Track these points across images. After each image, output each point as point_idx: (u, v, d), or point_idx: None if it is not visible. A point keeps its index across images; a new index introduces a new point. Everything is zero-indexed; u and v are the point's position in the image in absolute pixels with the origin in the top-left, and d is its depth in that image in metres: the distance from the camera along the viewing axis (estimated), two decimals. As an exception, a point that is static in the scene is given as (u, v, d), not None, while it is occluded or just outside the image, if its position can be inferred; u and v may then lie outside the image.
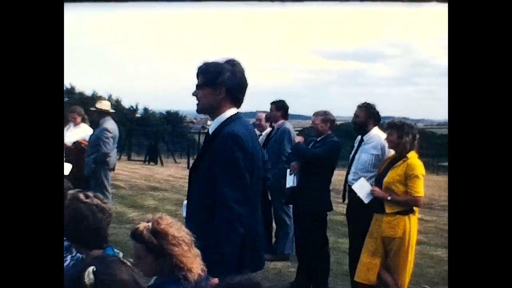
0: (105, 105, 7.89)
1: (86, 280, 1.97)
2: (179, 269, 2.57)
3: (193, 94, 3.04)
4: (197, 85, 3.01)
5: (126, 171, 16.75)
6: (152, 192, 12.83)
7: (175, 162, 23.54)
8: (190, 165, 16.77)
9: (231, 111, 2.99)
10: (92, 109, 7.95)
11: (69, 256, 3.32)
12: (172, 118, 41.55)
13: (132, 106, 41.67)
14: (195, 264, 2.58)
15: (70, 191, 3.35)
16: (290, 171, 5.85)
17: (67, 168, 6.52)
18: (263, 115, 7.54)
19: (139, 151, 25.13)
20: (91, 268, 2.00)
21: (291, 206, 6.52)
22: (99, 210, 3.06)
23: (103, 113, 7.78)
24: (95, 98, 20.50)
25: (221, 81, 2.93)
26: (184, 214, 3.19)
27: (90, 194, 3.22)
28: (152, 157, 22.07)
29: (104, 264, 2.07)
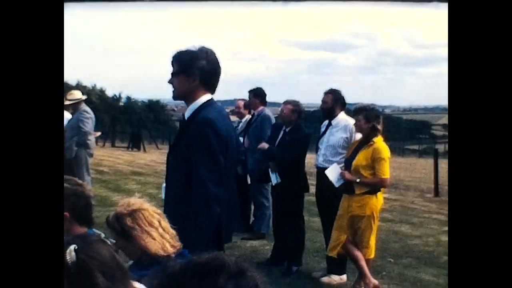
0: (76, 95, 7.92)
1: (68, 258, 1.94)
2: (144, 251, 2.56)
3: (169, 82, 3.02)
4: (172, 73, 2.99)
5: (110, 157, 16.67)
6: (135, 176, 12.79)
7: (157, 148, 23.44)
8: (172, 150, 16.71)
9: (205, 97, 2.97)
10: (67, 103, 7.86)
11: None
12: (154, 107, 41.34)
13: (115, 95, 41.36)
14: (165, 244, 2.57)
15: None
16: (271, 169, 5.84)
17: None
18: (242, 103, 7.53)
19: (123, 138, 24.92)
20: (72, 247, 1.97)
21: (268, 188, 6.53)
22: (79, 192, 3.04)
23: (77, 103, 7.82)
24: (79, 87, 20.23)
25: (195, 69, 2.91)
26: (163, 196, 3.19)
27: (69, 177, 3.20)
28: (135, 144, 21.98)
29: (85, 243, 2.04)
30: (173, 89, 3.02)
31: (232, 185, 3.17)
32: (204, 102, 2.96)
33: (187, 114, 3.02)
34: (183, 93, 3.00)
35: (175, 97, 3.04)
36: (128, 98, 41.93)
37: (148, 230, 2.54)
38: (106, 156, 16.26)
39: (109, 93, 41.04)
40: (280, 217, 5.96)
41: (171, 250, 2.58)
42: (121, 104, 39.18)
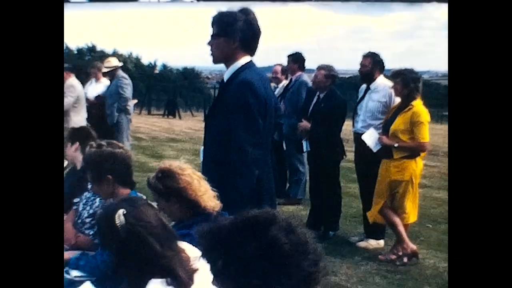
0: (113, 62, 8.01)
1: (117, 222, 1.98)
2: (185, 211, 2.58)
3: (208, 44, 2.99)
4: (211, 35, 2.96)
5: (147, 124, 16.85)
6: (171, 143, 12.90)
7: (192, 115, 23.57)
8: (207, 117, 16.71)
9: (244, 59, 2.94)
10: (104, 70, 8.07)
11: (98, 199, 3.36)
12: (189, 74, 41.35)
13: (151, 63, 41.52)
14: (209, 202, 2.59)
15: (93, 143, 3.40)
16: (303, 137, 5.80)
17: None
18: (279, 68, 7.44)
19: (158, 105, 25.12)
20: (121, 211, 2.00)
21: (304, 154, 6.51)
22: (121, 154, 3.09)
23: (115, 70, 7.91)
24: (115, 55, 20.38)
25: (234, 30, 2.87)
26: (201, 159, 3.19)
27: (110, 141, 3.27)
28: (171, 111, 22.14)
29: (133, 207, 2.08)
30: (211, 52, 3.00)
31: (271, 149, 3.15)
32: (244, 64, 2.93)
33: (226, 77, 3.00)
34: (222, 56, 2.97)
35: (214, 60, 3.01)
36: (164, 66, 42.03)
37: (189, 187, 2.57)
38: (143, 123, 16.45)
39: (145, 61, 41.28)
40: (316, 183, 5.95)
41: (213, 208, 2.60)
42: (156, 72, 39.30)
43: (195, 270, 2.01)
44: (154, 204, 2.25)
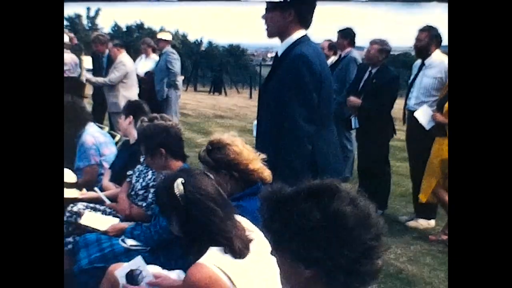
0: (166, 35, 8.09)
1: (176, 191, 2.00)
2: (244, 180, 2.58)
3: (262, 18, 2.95)
4: (266, 8, 2.92)
5: (193, 101, 16.96)
6: (218, 119, 12.98)
7: (238, 92, 23.61)
8: (252, 95, 16.89)
9: (299, 33, 2.90)
10: (156, 40, 8.30)
11: (150, 171, 3.42)
12: (235, 51, 41.29)
13: (197, 40, 41.67)
14: (260, 174, 2.58)
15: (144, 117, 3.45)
16: (352, 114, 5.72)
17: None
18: (327, 44, 7.31)
19: (205, 82, 25.27)
20: (179, 180, 2.03)
21: (352, 132, 6.43)
22: (172, 128, 3.13)
23: (163, 45, 7.99)
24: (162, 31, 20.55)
25: (289, 3, 2.83)
26: (254, 134, 3.19)
27: (160, 115, 3.31)
28: (217, 88, 22.23)
29: (191, 176, 2.10)
30: (266, 26, 2.97)
31: (330, 125, 3.09)
32: (298, 38, 2.88)
33: (280, 51, 2.96)
34: (277, 29, 2.93)
35: (269, 34, 2.98)
36: (210, 43, 42.12)
37: (239, 160, 2.57)
38: (190, 100, 16.56)
39: (191, 38, 41.46)
40: (365, 161, 5.87)
41: (264, 180, 2.60)
42: (202, 49, 39.43)
43: (250, 240, 2.03)
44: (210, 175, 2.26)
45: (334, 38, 6.87)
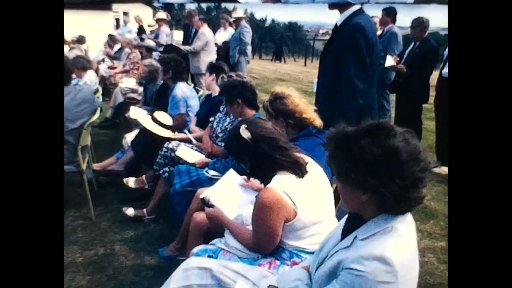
0: (239, 13, 8.02)
1: (243, 135, 1.98)
2: (299, 126, 2.53)
3: None
4: None
5: (258, 67, 16.83)
6: (278, 82, 12.85)
7: (295, 60, 23.28)
8: (306, 63, 16.55)
9: (356, 6, 2.79)
10: (232, 19, 8.28)
11: (228, 118, 3.42)
12: (293, 27, 40.71)
13: (262, 18, 41.37)
14: (314, 121, 2.53)
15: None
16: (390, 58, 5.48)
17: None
18: (375, 19, 6.99)
19: (267, 52, 25.01)
20: (243, 126, 2.01)
21: (389, 93, 6.20)
22: (246, 82, 3.11)
23: (239, 20, 7.98)
24: (234, 10, 20.39)
25: None
26: (314, 89, 3.13)
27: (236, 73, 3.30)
28: (277, 57, 21.99)
29: (251, 122, 2.08)
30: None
31: (375, 83, 3.02)
32: (355, 11, 2.79)
33: (339, 21, 2.86)
34: (338, 2, 2.83)
35: (330, 6, 2.87)
36: (272, 20, 41.68)
37: (296, 109, 2.53)
38: (255, 66, 16.44)
39: (257, 16, 41.13)
40: (401, 119, 5.67)
41: (316, 126, 2.55)
42: (266, 25, 39.01)
43: (307, 163, 2.00)
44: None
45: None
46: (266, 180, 1.97)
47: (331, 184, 2.14)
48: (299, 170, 1.96)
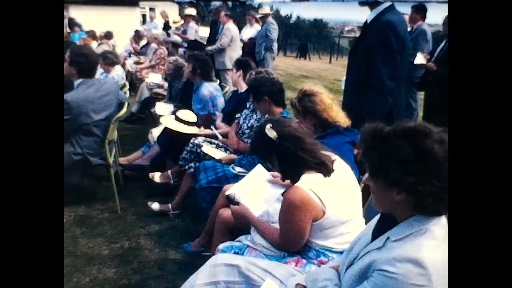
0: (266, 10, 8.04)
1: (269, 134, 1.97)
2: (326, 124, 2.51)
3: None
4: None
5: (283, 63, 16.79)
6: (303, 79, 12.80)
7: (320, 58, 23.12)
8: (332, 60, 16.43)
9: (386, 3, 2.73)
10: (259, 16, 8.27)
11: (254, 115, 3.41)
12: (318, 24, 40.42)
13: (287, 15, 41.19)
14: (341, 119, 2.51)
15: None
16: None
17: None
18: (406, 16, 6.87)
19: (292, 49, 24.91)
20: (268, 125, 2.00)
21: (416, 91, 6.10)
22: (274, 79, 3.10)
23: (265, 17, 8.02)
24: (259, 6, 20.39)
25: None
26: (342, 87, 3.09)
27: (263, 69, 3.27)
28: (302, 54, 21.90)
29: (275, 121, 2.07)
30: None
31: (403, 82, 2.96)
32: (386, 8, 2.73)
33: (369, 18, 2.81)
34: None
35: (361, 2, 2.83)
36: (298, 17, 41.50)
37: (324, 107, 2.50)
38: (280, 62, 16.40)
39: (283, 13, 41.02)
40: (427, 118, 5.56)
41: (343, 124, 2.52)
42: (291, 22, 38.87)
43: (333, 160, 1.99)
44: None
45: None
46: (293, 178, 1.96)
47: (359, 183, 2.12)
48: (325, 169, 1.94)
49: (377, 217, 1.53)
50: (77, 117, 3.28)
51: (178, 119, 3.95)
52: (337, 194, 1.91)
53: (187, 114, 4.00)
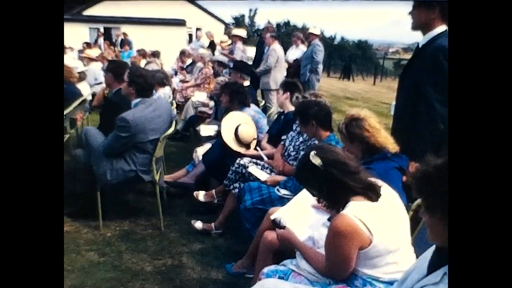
0: (316, 31, 8.08)
1: (314, 162, 1.97)
2: (374, 149, 2.47)
3: (409, 14, 2.77)
4: (413, 6, 2.74)
5: (326, 84, 16.77)
6: (346, 100, 12.71)
7: (363, 79, 22.92)
8: (376, 82, 16.31)
9: (441, 28, 2.69)
10: (307, 34, 8.33)
11: (301, 137, 3.42)
12: (362, 45, 40.24)
13: (331, 36, 41.25)
14: (389, 145, 2.47)
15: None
16: None
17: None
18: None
19: (336, 69, 24.88)
20: (312, 152, 1.99)
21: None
22: (322, 103, 3.10)
23: (314, 36, 8.08)
24: (306, 29, 20.44)
25: (436, 2, 2.62)
26: (392, 112, 3.05)
27: (312, 92, 3.29)
28: (346, 75, 21.81)
29: (319, 148, 2.06)
30: (412, 20, 2.78)
31: None
32: (440, 32, 2.68)
33: (422, 42, 2.77)
34: (421, 24, 2.73)
35: (413, 27, 2.79)
36: (342, 38, 41.50)
37: (372, 133, 2.48)
38: (324, 83, 16.35)
39: (327, 34, 41.16)
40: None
41: (391, 150, 2.48)
42: (335, 43, 38.89)
43: (380, 186, 1.96)
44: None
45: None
46: (338, 205, 1.95)
47: (407, 211, 2.07)
48: (372, 193, 1.91)
49: (432, 249, 1.48)
50: (135, 135, 3.43)
51: (236, 132, 3.99)
52: (384, 222, 1.88)
53: (247, 131, 4.03)
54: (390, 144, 2.50)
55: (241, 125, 4.04)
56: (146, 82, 3.59)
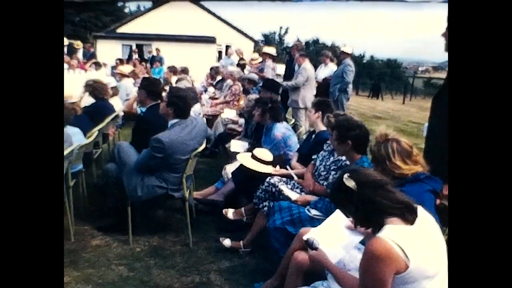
0: (348, 50, 8.06)
1: (348, 184, 1.96)
2: (395, 172, 2.43)
3: (442, 35, 2.75)
4: (447, 27, 2.72)
5: (355, 103, 16.67)
6: (375, 119, 12.60)
7: (392, 98, 22.74)
8: (405, 101, 16.19)
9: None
10: (340, 51, 8.46)
11: (332, 157, 3.39)
12: (391, 64, 39.97)
13: (360, 54, 41.22)
14: (425, 166, 2.44)
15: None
16: None
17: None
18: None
19: (364, 88, 24.76)
20: (346, 175, 1.98)
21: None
22: (362, 126, 3.07)
23: (346, 55, 8.06)
24: (335, 47, 20.49)
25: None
26: (424, 134, 3.01)
27: (349, 115, 3.26)
28: (375, 93, 21.71)
29: (352, 170, 2.04)
30: (445, 42, 2.75)
31: None
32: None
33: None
34: None
35: (447, 48, 2.77)
36: (371, 57, 41.37)
37: (405, 154, 2.44)
38: (352, 102, 16.25)
39: (356, 52, 41.20)
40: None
41: (423, 171, 2.43)
42: (364, 61, 38.77)
43: (416, 208, 1.93)
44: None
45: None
46: (374, 227, 1.92)
47: (443, 234, 2.03)
48: (409, 214, 1.88)
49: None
50: (169, 156, 3.49)
51: (254, 157, 4.01)
52: (421, 246, 1.84)
53: (263, 153, 4.05)
54: (422, 166, 2.46)
55: (254, 150, 4.09)
56: (185, 104, 3.64)
